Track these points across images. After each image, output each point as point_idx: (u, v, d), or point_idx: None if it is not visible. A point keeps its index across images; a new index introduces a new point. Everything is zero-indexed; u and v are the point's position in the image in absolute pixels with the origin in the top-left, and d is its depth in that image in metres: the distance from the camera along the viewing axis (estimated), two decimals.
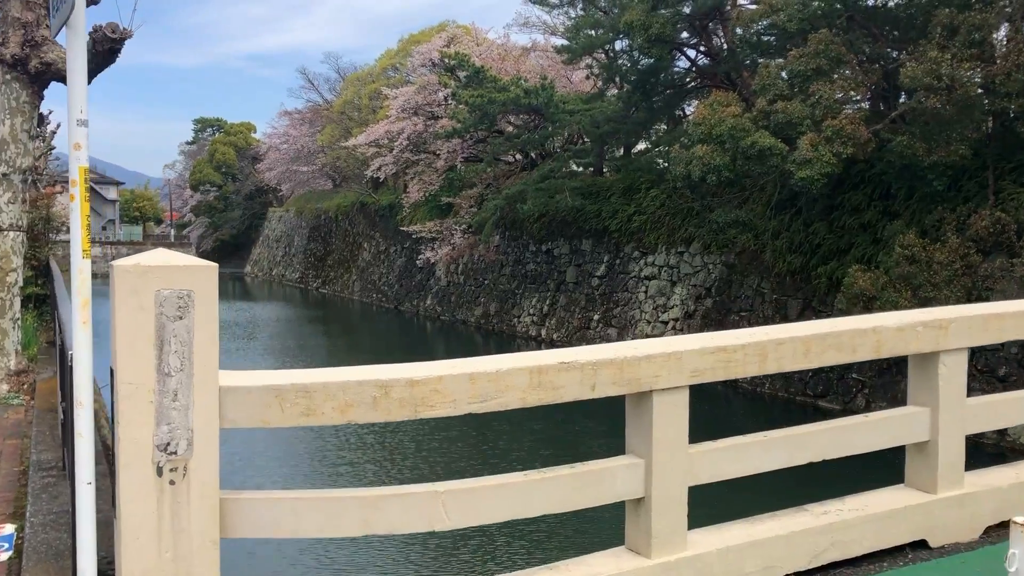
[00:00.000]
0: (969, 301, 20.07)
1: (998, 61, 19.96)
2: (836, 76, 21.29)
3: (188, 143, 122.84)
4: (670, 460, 3.19)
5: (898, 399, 22.21)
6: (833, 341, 3.51)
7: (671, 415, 3.20)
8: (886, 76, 22.42)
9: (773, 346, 3.39)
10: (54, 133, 27.80)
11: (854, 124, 20.53)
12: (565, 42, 33.67)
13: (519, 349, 36.37)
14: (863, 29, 22.71)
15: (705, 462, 3.32)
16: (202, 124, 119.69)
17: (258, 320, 45.45)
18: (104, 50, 7.48)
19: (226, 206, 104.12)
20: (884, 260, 21.30)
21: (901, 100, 23.91)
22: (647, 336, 31.49)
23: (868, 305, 19.70)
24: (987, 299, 20.21)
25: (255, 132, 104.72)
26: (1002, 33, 21.33)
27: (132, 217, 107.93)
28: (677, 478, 3.22)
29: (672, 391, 3.20)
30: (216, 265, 2.94)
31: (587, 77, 35.62)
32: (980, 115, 20.67)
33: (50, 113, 31.85)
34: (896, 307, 19.17)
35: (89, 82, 8.94)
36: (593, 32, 29.72)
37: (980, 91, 20.27)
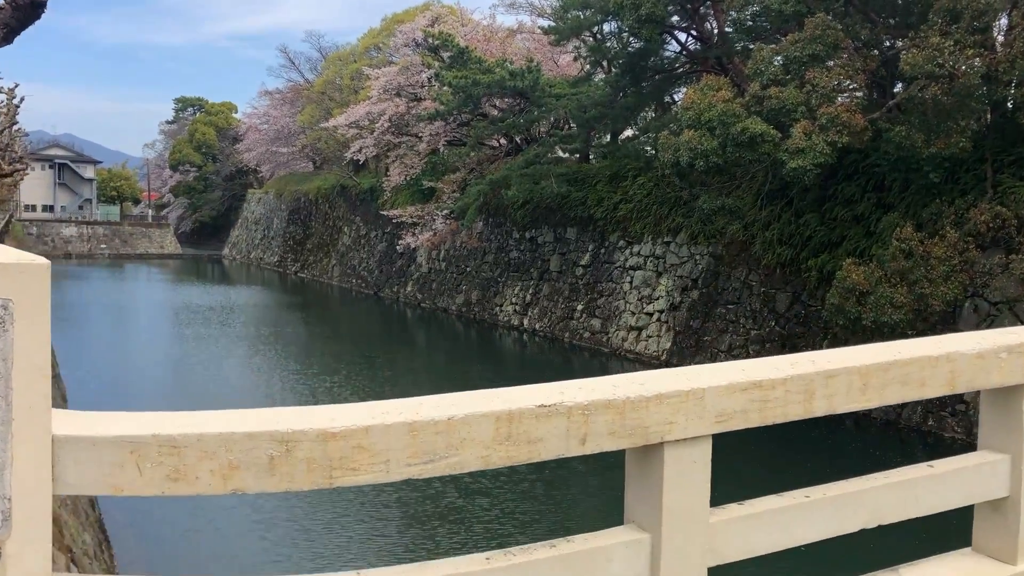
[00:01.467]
0: (967, 298, 19.41)
1: (1000, 49, 19.26)
2: (833, 63, 20.50)
3: (168, 123, 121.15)
4: (685, 533, 2.34)
5: (903, 406, 21.59)
6: (898, 373, 2.66)
7: (688, 474, 2.34)
8: (884, 63, 21.64)
9: (822, 380, 2.54)
10: (17, 107, 26.59)
11: (850, 112, 19.76)
12: (552, 23, 32.72)
13: (501, 338, 35.55)
14: (861, 14, 21.91)
15: (731, 534, 2.46)
16: (183, 103, 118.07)
17: (233, 305, 44.39)
18: (26, 3, 6.54)
19: (206, 187, 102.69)
20: (878, 253, 20.59)
21: (897, 89, 23.19)
22: (631, 328, 30.72)
23: (861, 300, 18.98)
24: (985, 296, 19.55)
25: (236, 112, 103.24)
26: (1005, 20, 20.61)
27: (109, 197, 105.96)
28: (694, 558, 2.37)
29: (690, 442, 2.34)
30: (48, 263, 2.03)
31: (574, 59, 34.68)
32: (980, 105, 19.96)
33: (16, 86, 30.61)
34: (891, 302, 18.46)
35: (12, 40, 7.97)
36: (581, 13, 28.79)
37: (979, 80, 19.55)
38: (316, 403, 22.00)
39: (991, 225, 18.72)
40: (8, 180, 39.40)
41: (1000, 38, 20.41)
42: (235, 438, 1.96)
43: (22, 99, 27.36)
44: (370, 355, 29.77)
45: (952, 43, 17.43)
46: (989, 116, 21.22)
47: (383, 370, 26.95)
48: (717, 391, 2.29)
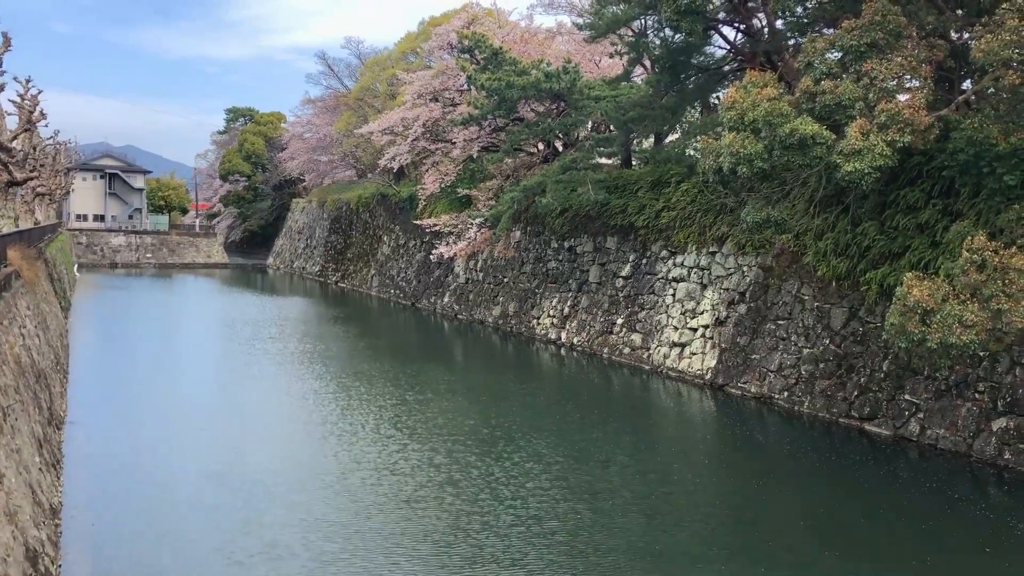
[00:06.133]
0: None
1: None
2: (895, 54, 18.31)
3: (220, 133, 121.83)
4: None
5: (958, 427, 19.26)
6: None
7: None
8: (952, 54, 19.38)
9: None
10: (31, 112, 25.46)
11: (913, 108, 17.60)
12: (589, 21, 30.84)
13: (538, 354, 33.75)
14: (926, 0, 19.69)
15: None
16: (234, 114, 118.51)
17: (266, 319, 43.31)
18: None
19: (255, 196, 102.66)
20: (945, 266, 18.35)
21: (966, 86, 20.90)
22: (674, 344, 28.66)
23: (925, 319, 16.75)
24: None
25: (285, 122, 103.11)
26: None
27: (157, 206, 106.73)
28: None
29: None
30: None
31: (611, 56, 32.74)
32: None
33: (38, 93, 29.74)
34: (960, 321, 16.23)
35: None
36: (618, 8, 26.87)
37: None
38: (329, 431, 20.44)
39: None
40: (35, 185, 38.80)
41: None
42: None
43: (36, 103, 26.37)
44: (396, 374, 28.18)
45: None
46: None
47: (409, 391, 25.31)
48: None
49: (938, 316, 16.35)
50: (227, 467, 17.27)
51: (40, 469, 13.95)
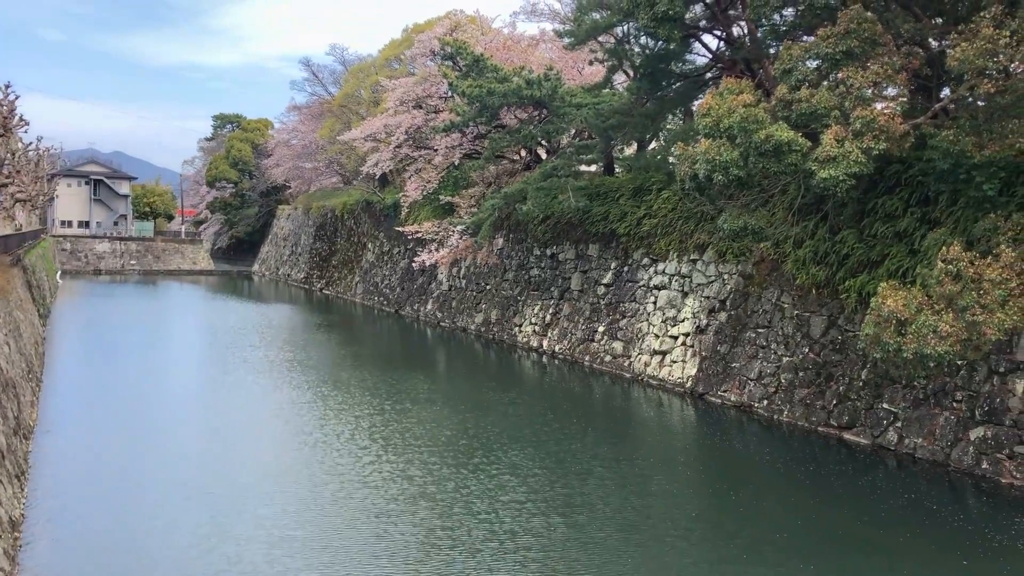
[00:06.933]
0: None
1: None
2: (871, 62, 18.22)
3: (207, 139, 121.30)
4: None
5: (936, 436, 19.15)
6: None
7: None
8: (929, 62, 19.32)
9: None
10: (6, 116, 25.10)
11: (889, 116, 17.51)
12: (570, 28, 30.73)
13: (519, 362, 33.55)
14: (903, 8, 19.65)
15: None
16: (221, 120, 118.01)
17: (252, 326, 42.97)
18: None
19: (242, 203, 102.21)
20: (923, 274, 18.25)
21: (944, 94, 20.84)
22: (655, 352, 28.52)
23: (901, 329, 16.62)
24: None
25: (272, 129, 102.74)
26: None
27: (143, 212, 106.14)
28: None
29: None
30: None
31: (590, 63, 32.66)
32: None
33: (8, 87, 29.38)
34: (935, 332, 16.12)
35: None
36: (598, 15, 26.75)
37: None
38: (304, 442, 20.17)
39: None
40: (14, 191, 38.44)
41: None
42: None
43: (12, 108, 26.04)
44: (376, 382, 27.93)
45: (1008, 34, 15.15)
46: None
47: (388, 400, 25.06)
48: None
49: (913, 326, 16.24)
50: (197, 480, 17.01)
51: (1, 480, 13.68)
